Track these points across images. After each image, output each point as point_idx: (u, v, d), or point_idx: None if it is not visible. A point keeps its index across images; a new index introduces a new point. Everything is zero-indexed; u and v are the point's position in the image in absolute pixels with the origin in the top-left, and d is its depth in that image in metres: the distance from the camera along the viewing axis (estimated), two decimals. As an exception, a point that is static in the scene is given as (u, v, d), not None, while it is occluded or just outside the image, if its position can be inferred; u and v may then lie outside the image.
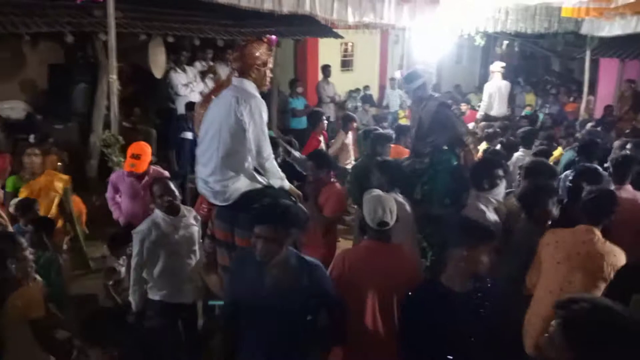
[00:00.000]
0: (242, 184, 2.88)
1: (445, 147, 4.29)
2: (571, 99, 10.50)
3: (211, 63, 7.29)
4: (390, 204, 2.64)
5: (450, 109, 4.71)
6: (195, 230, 3.25)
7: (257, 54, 2.87)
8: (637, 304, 2.26)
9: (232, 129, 2.79)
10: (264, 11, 5.11)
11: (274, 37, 3.10)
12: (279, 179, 2.99)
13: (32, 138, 5.43)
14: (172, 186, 3.18)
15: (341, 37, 9.41)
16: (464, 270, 2.26)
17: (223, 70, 7.10)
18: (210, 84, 6.92)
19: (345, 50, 11.28)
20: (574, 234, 2.76)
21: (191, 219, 3.25)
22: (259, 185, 2.94)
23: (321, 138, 5.86)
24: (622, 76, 10.54)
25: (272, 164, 2.95)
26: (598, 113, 9.34)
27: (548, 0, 6.00)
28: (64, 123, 6.30)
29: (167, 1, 6.71)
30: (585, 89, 9.02)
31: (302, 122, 7.78)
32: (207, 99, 3.24)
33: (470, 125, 6.65)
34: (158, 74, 6.69)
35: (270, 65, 2.94)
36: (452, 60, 11.38)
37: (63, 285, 3.60)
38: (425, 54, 8.22)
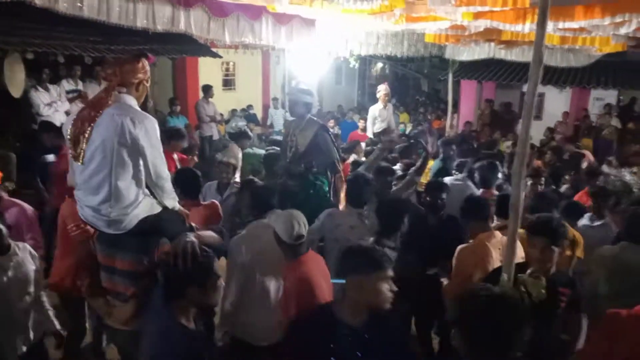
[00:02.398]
0: (141, 210, 2.67)
1: (315, 170, 4.32)
2: (436, 116, 11.40)
3: (79, 82, 6.86)
4: (302, 218, 2.68)
5: (329, 133, 4.70)
6: (31, 269, 2.95)
7: (140, 69, 2.71)
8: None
9: (127, 152, 2.59)
10: (137, 28, 4.94)
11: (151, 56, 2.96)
12: (172, 199, 2.84)
13: None
14: None
15: (220, 57, 9.37)
16: (354, 301, 2.11)
17: (92, 89, 6.71)
18: (79, 103, 6.51)
19: (227, 69, 11.24)
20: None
21: (26, 256, 2.95)
22: (157, 210, 2.76)
23: (175, 157, 5.67)
24: (480, 96, 11.69)
25: (169, 185, 2.79)
26: (460, 129, 10.25)
27: (413, 27, 6.47)
28: None
29: (27, 14, 6.22)
30: (450, 107, 9.83)
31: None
32: (80, 117, 2.95)
33: (363, 145, 6.92)
34: (16, 93, 6.14)
35: (147, 81, 2.80)
36: (332, 81, 11.80)
37: None
38: (305, 75, 8.45)
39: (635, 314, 1.95)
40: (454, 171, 5.20)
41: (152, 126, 2.64)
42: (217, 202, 3.90)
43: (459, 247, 3.06)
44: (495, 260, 2.96)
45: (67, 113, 6.15)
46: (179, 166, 5.41)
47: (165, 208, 2.78)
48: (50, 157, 5.47)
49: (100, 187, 2.64)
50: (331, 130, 5.90)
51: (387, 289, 2.06)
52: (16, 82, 6.02)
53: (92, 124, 2.70)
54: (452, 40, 6.19)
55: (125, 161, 2.59)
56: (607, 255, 3.13)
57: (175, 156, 5.52)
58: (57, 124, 5.99)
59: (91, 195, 2.68)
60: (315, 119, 4.68)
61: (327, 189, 4.39)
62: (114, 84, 2.68)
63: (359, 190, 3.55)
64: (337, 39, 6.95)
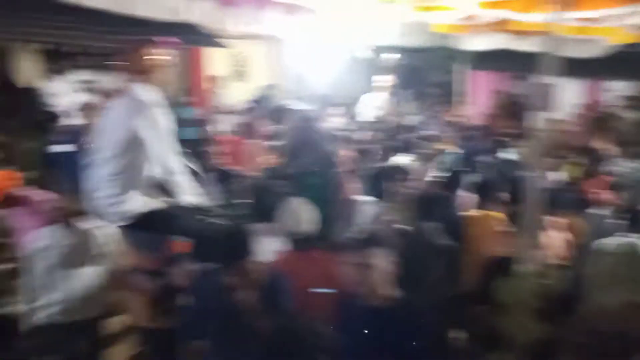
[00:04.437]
0: (135, 204, 2.67)
1: (314, 170, 4.02)
2: (446, 108, 11.29)
3: (93, 72, 6.91)
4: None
5: (313, 122, 4.37)
6: None
7: (143, 57, 2.69)
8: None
9: (125, 142, 2.58)
10: (139, 18, 4.93)
11: (173, 39, 2.94)
12: (190, 195, 2.81)
13: None
14: None
15: (227, 47, 9.36)
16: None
17: (107, 80, 6.76)
18: (93, 94, 6.55)
19: (238, 60, 11.21)
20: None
21: None
22: (159, 205, 2.73)
23: None
24: (493, 87, 11.56)
25: (181, 179, 2.75)
26: (475, 120, 10.13)
27: (422, 17, 6.42)
28: None
29: (35, 5, 6.24)
30: (460, 99, 9.73)
31: (191, 133, 7.60)
32: (94, 108, 2.96)
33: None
34: (28, 83, 6.20)
35: (168, 69, 2.78)
36: (341, 71, 11.75)
37: None
38: (314, 66, 8.44)
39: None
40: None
41: (157, 115, 2.61)
42: None
43: None
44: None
45: (81, 104, 6.16)
46: None
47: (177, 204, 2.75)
48: (62, 148, 5.52)
49: (98, 175, 2.65)
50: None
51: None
52: (27, 73, 6.08)
53: (102, 115, 2.73)
54: (463, 31, 6.12)
55: (121, 151, 2.58)
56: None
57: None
58: (70, 114, 6.05)
59: (92, 183, 2.69)
60: (294, 107, 4.53)
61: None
62: (124, 74, 2.69)
63: None
64: (345, 30, 6.92)
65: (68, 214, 3.06)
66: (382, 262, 2.29)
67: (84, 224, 3.09)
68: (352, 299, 2.34)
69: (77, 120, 5.74)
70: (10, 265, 3.58)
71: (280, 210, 2.85)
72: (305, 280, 2.55)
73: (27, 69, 6.25)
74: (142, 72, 2.71)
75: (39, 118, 6.56)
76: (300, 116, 4.39)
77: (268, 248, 2.81)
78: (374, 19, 7.24)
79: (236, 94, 10.21)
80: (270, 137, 5.71)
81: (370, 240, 2.36)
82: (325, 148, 4.20)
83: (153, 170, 2.68)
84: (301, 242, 2.71)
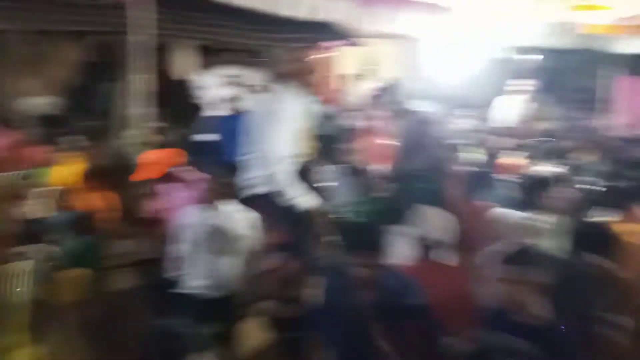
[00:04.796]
0: (266, 187, 2.87)
1: (423, 174, 3.88)
2: (592, 114, 10.40)
3: (240, 68, 7.41)
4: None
5: (429, 124, 4.23)
6: None
7: (310, 59, 2.85)
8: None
9: (261, 130, 2.77)
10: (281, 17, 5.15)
11: (333, 43, 3.09)
12: (293, 193, 2.90)
13: (61, 133, 5.49)
14: None
15: (360, 46, 9.46)
16: None
17: (252, 76, 7.21)
18: (237, 89, 7.02)
19: (368, 59, 11.31)
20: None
21: None
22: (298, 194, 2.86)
23: None
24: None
25: (280, 176, 2.86)
26: (621, 130, 9.23)
27: (574, 18, 6.01)
28: (88, 120, 6.45)
29: (194, 4, 6.85)
30: (606, 106, 8.93)
31: (324, 129, 7.79)
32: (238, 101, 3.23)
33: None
34: (184, 76, 6.83)
35: (321, 73, 2.92)
36: (477, 73, 11.36)
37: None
38: (448, 67, 8.25)
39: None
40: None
41: (288, 110, 2.76)
42: None
43: None
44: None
45: (227, 97, 6.64)
46: None
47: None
48: (205, 137, 6.03)
49: (247, 162, 2.86)
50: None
51: None
52: (185, 67, 6.69)
53: (247, 108, 2.99)
54: (620, 31, 5.62)
55: (257, 137, 2.77)
56: None
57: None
58: (217, 107, 6.56)
59: (243, 170, 2.93)
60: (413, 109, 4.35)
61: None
62: (281, 72, 2.88)
63: None
64: (484, 30, 6.69)
65: (215, 196, 3.34)
66: (533, 278, 2.20)
67: (228, 207, 3.35)
68: (498, 313, 2.26)
69: (222, 112, 6.20)
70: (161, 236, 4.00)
71: (414, 214, 2.83)
72: (435, 289, 2.49)
73: (182, 64, 6.87)
74: (289, 72, 2.87)
75: (187, 108, 7.20)
76: (416, 117, 4.28)
77: (399, 251, 2.81)
78: (516, 18, 6.92)
79: (364, 94, 10.32)
80: (389, 135, 5.69)
81: (523, 256, 2.26)
82: (439, 152, 4.07)
83: (281, 160, 2.83)
84: (433, 249, 2.64)
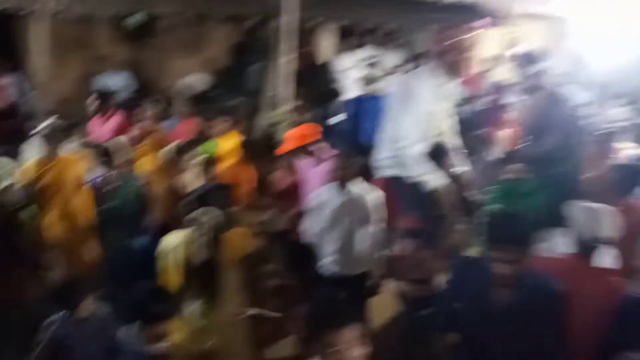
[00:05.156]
0: (400, 170, 2.89)
1: (559, 156, 3.65)
2: None
3: (378, 49, 7.50)
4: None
5: (564, 102, 3.88)
6: None
7: (461, 40, 2.81)
8: None
9: (390, 111, 2.80)
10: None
11: (477, 24, 3.00)
12: (422, 173, 2.86)
13: (212, 110, 5.88)
14: None
15: (505, 27, 9.00)
16: None
17: (391, 57, 7.26)
18: (374, 71, 7.11)
19: (510, 42, 10.73)
20: None
21: None
22: (413, 173, 2.88)
23: None
24: None
25: (409, 155, 2.82)
26: None
27: None
28: (237, 99, 6.96)
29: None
30: None
31: (464, 112, 7.58)
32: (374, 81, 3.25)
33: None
34: (324, 58, 7.07)
35: (471, 53, 2.87)
36: (633, 59, 10.24)
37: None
38: (600, 51, 7.55)
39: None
40: None
41: (426, 90, 2.72)
42: None
43: None
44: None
45: (364, 79, 6.74)
46: None
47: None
48: (338, 118, 6.23)
49: (379, 139, 2.90)
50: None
51: None
52: (326, 48, 6.93)
53: (386, 89, 3.00)
54: None
55: (391, 118, 2.78)
56: None
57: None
58: (354, 89, 6.73)
59: (382, 150, 2.97)
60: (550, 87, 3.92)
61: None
62: (431, 50, 2.86)
63: None
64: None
65: (346, 176, 3.46)
66: None
67: (358, 187, 3.47)
68: None
69: (359, 93, 6.34)
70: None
71: (570, 207, 2.56)
72: (582, 292, 2.22)
73: (323, 45, 7.11)
74: (434, 53, 2.82)
75: (326, 89, 7.47)
76: (552, 97, 3.95)
77: (551, 246, 2.69)
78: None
79: (505, 76, 9.82)
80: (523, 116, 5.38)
81: None
82: (576, 136, 3.80)
83: (426, 139, 2.79)
84: (588, 249, 2.38)
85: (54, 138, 3.92)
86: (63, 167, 3.94)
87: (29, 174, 3.88)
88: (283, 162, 4.97)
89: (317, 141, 4.20)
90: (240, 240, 3.04)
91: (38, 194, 3.85)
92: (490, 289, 2.12)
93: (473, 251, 2.82)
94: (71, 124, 4.48)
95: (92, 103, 5.35)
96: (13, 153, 4.47)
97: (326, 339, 1.74)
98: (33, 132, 4.26)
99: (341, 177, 3.48)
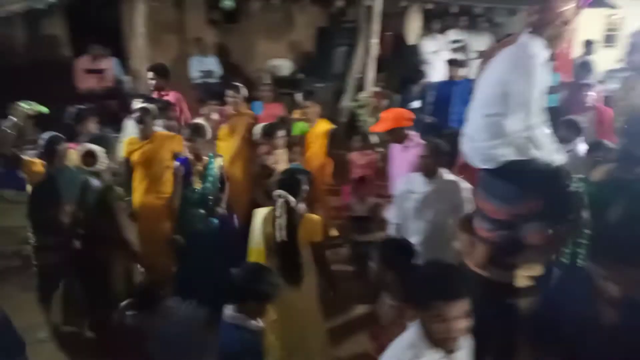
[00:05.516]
0: (502, 152, 2.67)
1: None
2: None
3: (464, 32, 7.24)
4: None
5: None
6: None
7: (562, 10, 2.59)
8: None
9: (496, 89, 2.61)
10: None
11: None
12: (549, 152, 2.58)
13: (297, 95, 5.81)
14: None
15: (610, 7, 8.37)
16: None
17: (477, 40, 6.99)
18: (460, 54, 6.89)
19: (611, 23, 9.96)
20: None
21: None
22: (527, 157, 2.66)
23: None
24: None
25: (535, 134, 2.53)
26: None
27: None
28: (323, 83, 6.95)
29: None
30: None
31: (554, 100, 7.20)
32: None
33: None
34: (411, 40, 6.92)
35: (571, 26, 2.63)
36: None
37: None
38: None
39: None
40: None
41: (533, 67, 2.47)
42: None
43: None
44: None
45: (450, 62, 6.53)
46: None
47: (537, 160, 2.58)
48: (429, 102, 6.07)
49: (473, 120, 2.71)
50: None
51: None
52: (413, 30, 6.78)
53: (481, 70, 2.78)
54: None
55: (491, 98, 2.56)
56: None
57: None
58: (435, 71, 6.55)
59: (469, 128, 2.78)
60: None
61: None
62: (528, 22, 2.62)
63: None
64: None
65: (434, 164, 3.33)
66: None
67: (445, 175, 3.34)
68: None
69: (445, 77, 6.15)
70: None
71: None
72: None
73: (409, 28, 6.95)
74: (548, 21, 2.58)
75: (412, 73, 7.31)
76: None
77: None
78: None
79: (604, 61, 9.15)
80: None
81: None
82: None
83: (516, 124, 2.59)
84: None
85: (148, 118, 4.09)
86: (159, 143, 4.11)
87: (129, 149, 4.10)
88: (370, 145, 4.90)
89: (409, 127, 4.08)
90: (317, 225, 3.04)
91: (133, 168, 4.07)
92: (595, 306, 1.98)
93: (567, 255, 2.61)
94: (162, 106, 4.67)
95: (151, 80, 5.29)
96: (115, 130, 4.75)
97: (435, 309, 1.73)
98: (132, 111, 4.48)
99: (429, 166, 3.35)
